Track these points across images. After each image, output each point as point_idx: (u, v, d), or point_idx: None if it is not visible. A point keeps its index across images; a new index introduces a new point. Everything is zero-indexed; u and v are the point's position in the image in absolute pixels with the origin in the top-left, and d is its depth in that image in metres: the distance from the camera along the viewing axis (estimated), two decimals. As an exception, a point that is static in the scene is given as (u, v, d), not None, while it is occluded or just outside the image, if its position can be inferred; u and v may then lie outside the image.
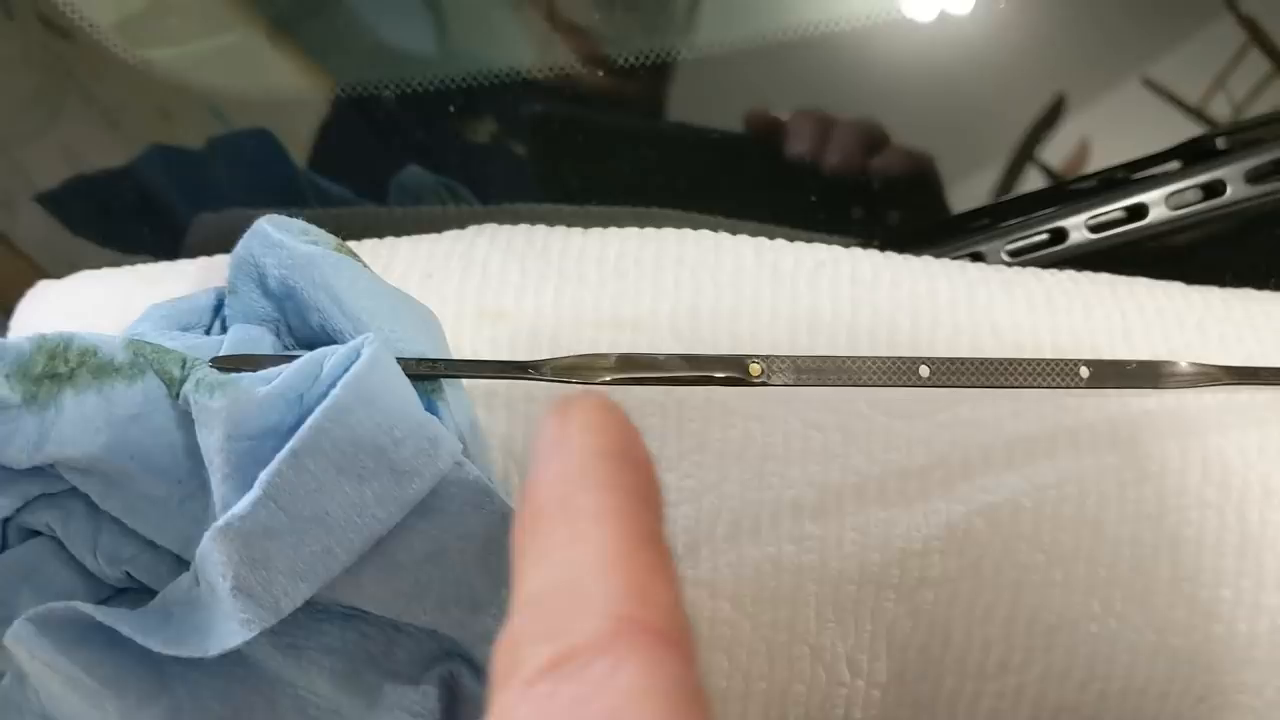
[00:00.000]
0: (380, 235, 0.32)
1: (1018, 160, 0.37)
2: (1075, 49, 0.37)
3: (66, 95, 0.38)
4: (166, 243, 0.39)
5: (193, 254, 0.33)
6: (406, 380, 0.23)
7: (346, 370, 0.22)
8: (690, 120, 0.37)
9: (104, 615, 0.22)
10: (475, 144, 0.38)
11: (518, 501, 0.19)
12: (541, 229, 0.31)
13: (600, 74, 0.36)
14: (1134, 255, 0.35)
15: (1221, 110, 0.37)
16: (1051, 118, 0.37)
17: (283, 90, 0.38)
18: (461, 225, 0.32)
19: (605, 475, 0.18)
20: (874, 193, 0.37)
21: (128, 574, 0.25)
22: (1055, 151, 0.37)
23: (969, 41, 0.36)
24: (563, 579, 0.16)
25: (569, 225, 0.32)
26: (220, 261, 0.30)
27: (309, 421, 0.22)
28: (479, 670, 0.25)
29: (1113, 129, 0.37)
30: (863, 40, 0.36)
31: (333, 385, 0.22)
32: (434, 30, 0.38)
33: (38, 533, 0.25)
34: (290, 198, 0.39)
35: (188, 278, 0.31)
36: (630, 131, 0.37)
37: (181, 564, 0.25)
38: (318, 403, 0.22)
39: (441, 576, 0.24)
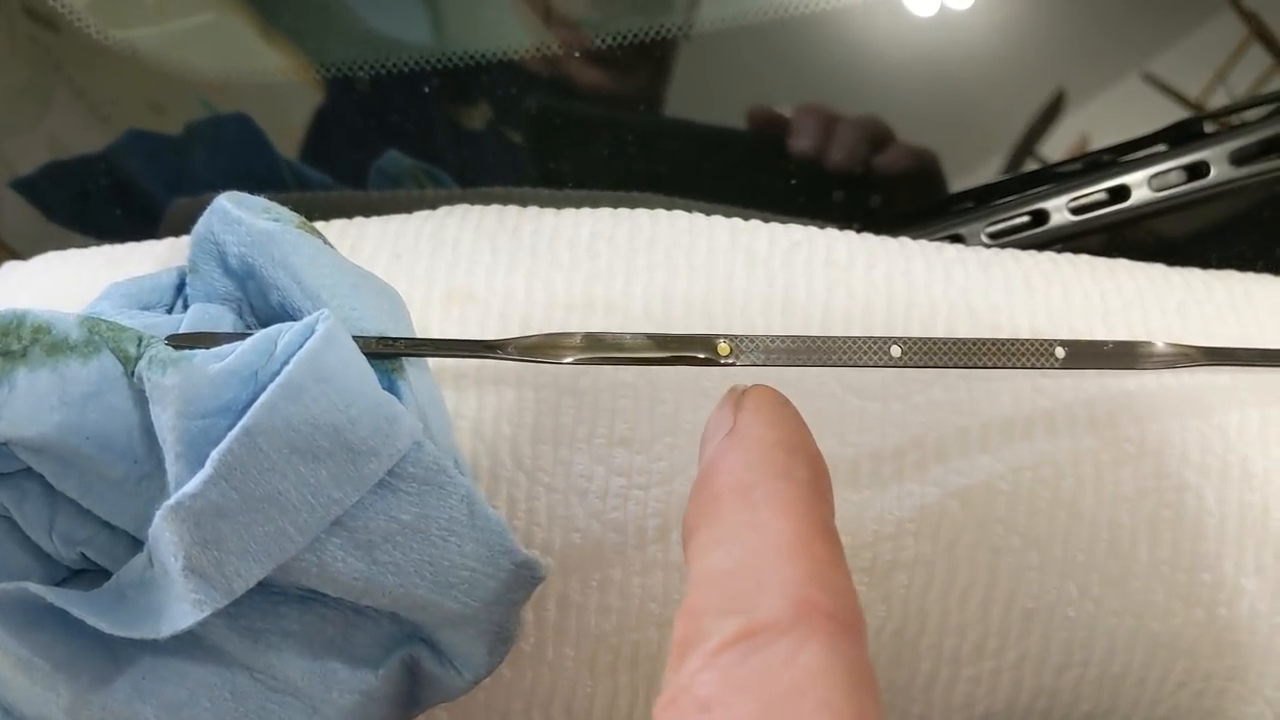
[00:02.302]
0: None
1: (1017, 155, 0.37)
2: (1075, 43, 0.37)
3: (54, 88, 0.38)
4: (144, 229, 0.38)
5: (168, 239, 0.33)
6: (363, 358, 0.23)
7: (301, 347, 0.22)
8: (675, 103, 0.37)
9: (55, 596, 0.22)
10: (456, 128, 0.38)
11: (694, 485, 0.20)
12: (513, 209, 0.31)
13: (585, 57, 0.36)
14: (1116, 238, 0.35)
15: (1221, 105, 0.36)
16: (1051, 113, 0.36)
17: (263, 73, 0.37)
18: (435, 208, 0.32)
19: (783, 467, 0.19)
20: (855, 177, 0.36)
21: (84, 555, 0.24)
22: (1054, 146, 0.37)
23: (968, 35, 0.36)
24: (745, 561, 0.18)
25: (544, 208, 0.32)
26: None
27: (261, 399, 0.21)
28: (440, 653, 0.25)
29: (1112, 124, 0.36)
30: (861, 34, 0.36)
31: (287, 362, 0.22)
32: (418, 10, 0.37)
33: (-8, 513, 0.25)
34: (269, 183, 0.39)
35: (156, 258, 0.30)
36: (612, 117, 0.37)
37: (138, 545, 0.24)
38: (271, 380, 0.22)
39: (401, 559, 0.23)
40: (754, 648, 0.16)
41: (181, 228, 0.33)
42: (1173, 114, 0.36)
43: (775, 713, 0.16)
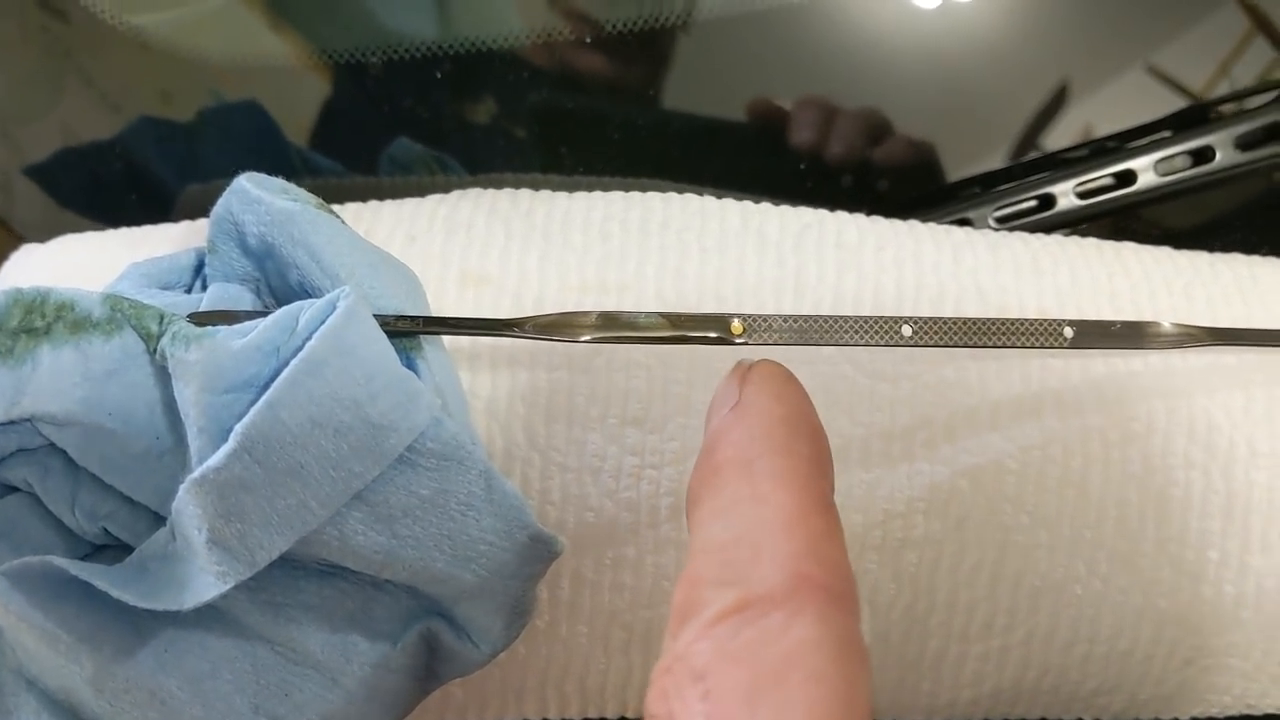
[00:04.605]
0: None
1: (1020, 147, 0.37)
2: (1078, 36, 0.37)
3: (65, 76, 0.38)
4: (155, 215, 0.39)
5: (181, 226, 0.33)
6: (383, 334, 0.23)
7: (323, 323, 0.22)
8: (683, 90, 0.37)
9: (79, 569, 0.22)
10: (466, 116, 0.38)
11: (699, 456, 0.21)
12: (525, 193, 0.31)
13: (592, 43, 0.36)
14: (1122, 225, 0.35)
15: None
16: (1055, 105, 0.36)
17: (272, 58, 0.37)
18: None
19: (785, 442, 0.20)
20: (857, 166, 0.37)
21: (106, 530, 0.25)
22: (1058, 139, 0.37)
23: (972, 26, 0.36)
24: (744, 533, 0.18)
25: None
26: (206, 225, 0.30)
27: (285, 373, 0.21)
28: (458, 627, 0.25)
29: (1116, 117, 0.36)
30: (863, 26, 0.36)
31: (309, 338, 0.22)
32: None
33: (15, 489, 0.25)
34: (280, 170, 0.39)
35: (172, 240, 0.31)
36: (621, 103, 0.37)
37: (159, 521, 0.25)
38: (294, 355, 0.22)
39: (421, 533, 0.24)
40: (748, 620, 0.17)
41: (194, 214, 0.33)
42: (1176, 107, 0.36)
43: (766, 683, 0.16)
